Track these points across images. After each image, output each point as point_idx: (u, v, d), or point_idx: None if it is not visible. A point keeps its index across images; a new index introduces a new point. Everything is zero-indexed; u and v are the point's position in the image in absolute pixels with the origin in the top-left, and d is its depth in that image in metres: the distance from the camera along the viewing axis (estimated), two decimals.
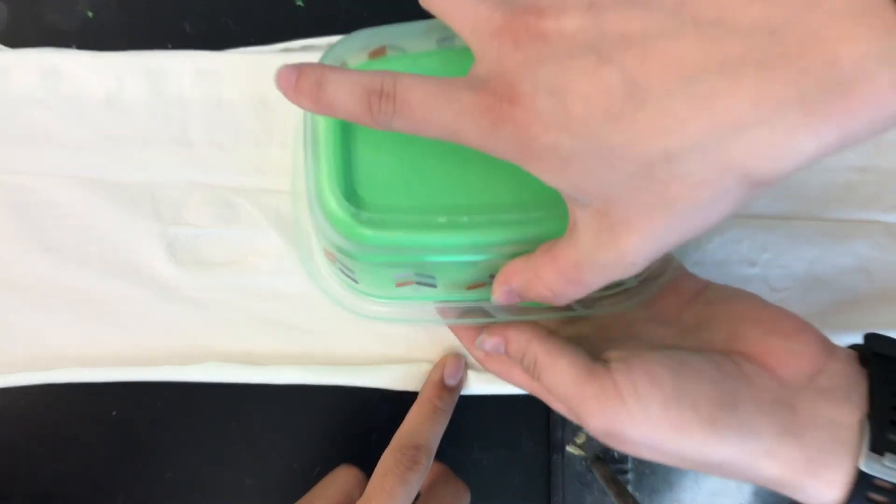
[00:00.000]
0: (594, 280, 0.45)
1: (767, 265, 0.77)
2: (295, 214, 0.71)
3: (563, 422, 0.83)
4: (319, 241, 0.64)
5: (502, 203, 0.58)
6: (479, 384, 0.75)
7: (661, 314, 0.62)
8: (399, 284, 0.64)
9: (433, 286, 0.64)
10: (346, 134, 0.62)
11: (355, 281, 0.65)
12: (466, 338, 0.67)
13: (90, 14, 0.84)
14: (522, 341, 0.54)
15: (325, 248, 0.64)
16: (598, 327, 0.64)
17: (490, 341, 0.57)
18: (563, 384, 0.49)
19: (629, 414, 0.46)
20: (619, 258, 0.41)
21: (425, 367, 0.75)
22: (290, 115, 0.78)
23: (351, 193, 0.59)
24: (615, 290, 0.64)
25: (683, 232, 0.39)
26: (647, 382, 0.46)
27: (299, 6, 0.84)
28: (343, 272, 0.65)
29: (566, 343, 0.52)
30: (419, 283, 0.63)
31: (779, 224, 0.78)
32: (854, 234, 0.78)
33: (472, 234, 0.56)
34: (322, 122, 0.61)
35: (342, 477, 0.68)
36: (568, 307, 0.70)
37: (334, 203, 0.58)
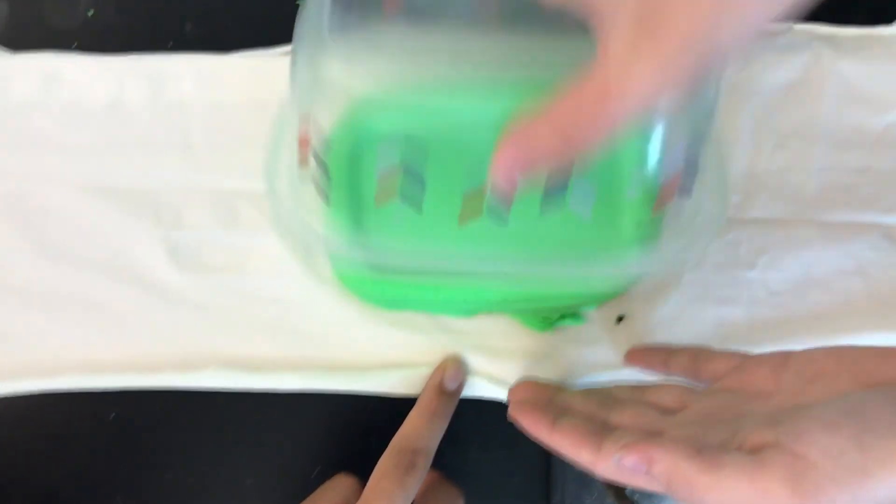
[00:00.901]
0: (622, 108, 0.38)
1: (765, 268, 0.78)
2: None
3: None
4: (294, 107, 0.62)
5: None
6: (481, 388, 0.75)
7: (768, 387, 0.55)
8: (381, 197, 0.61)
9: (421, 188, 0.62)
10: None
11: (327, 195, 0.63)
12: (572, 444, 0.57)
13: (90, 14, 0.84)
14: (668, 462, 0.45)
15: (298, 121, 0.62)
16: (727, 403, 0.57)
17: (630, 459, 0.49)
18: (738, 495, 0.41)
19: (827, 475, 0.37)
20: (658, 67, 0.36)
21: (425, 372, 0.75)
22: (293, 119, 0.78)
23: None
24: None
25: (733, 26, 0.35)
26: (825, 429, 0.39)
27: (299, 6, 0.84)
28: (317, 181, 0.63)
29: (719, 449, 0.44)
30: (404, 194, 0.61)
31: (777, 227, 0.78)
32: (852, 236, 0.78)
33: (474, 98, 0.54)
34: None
35: (339, 484, 0.68)
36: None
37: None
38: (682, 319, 0.76)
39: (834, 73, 0.79)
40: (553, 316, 0.76)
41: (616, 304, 0.77)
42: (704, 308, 0.77)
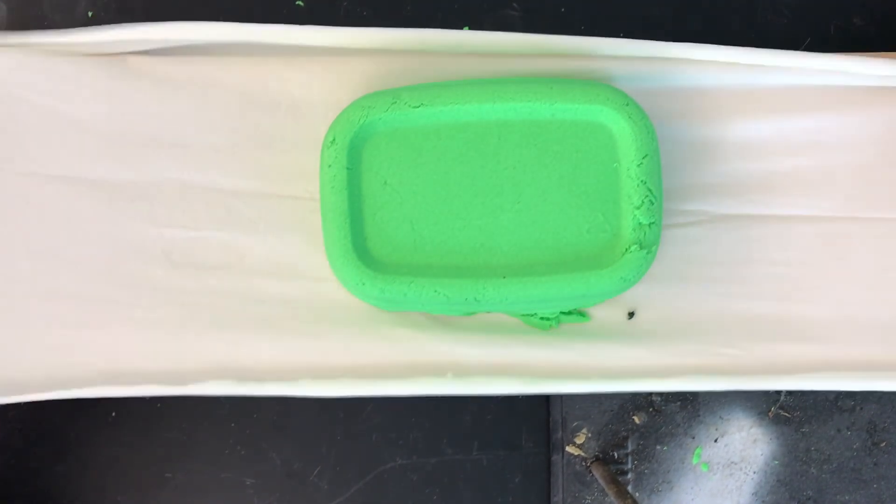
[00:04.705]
0: None
1: (794, 264, 0.77)
2: None
3: (563, 422, 0.83)
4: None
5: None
6: (483, 386, 0.74)
7: None
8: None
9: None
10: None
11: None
12: None
13: (90, 14, 0.84)
14: None
15: None
16: None
17: None
18: None
19: None
20: None
21: (423, 382, 0.74)
22: (290, 119, 0.78)
23: None
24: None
25: None
26: None
27: (299, 6, 0.84)
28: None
29: None
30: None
31: (805, 222, 0.78)
32: (889, 231, 0.77)
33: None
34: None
35: None
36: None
37: None
38: (703, 315, 0.76)
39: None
40: (552, 316, 0.76)
41: (626, 300, 0.76)
42: (728, 303, 0.76)
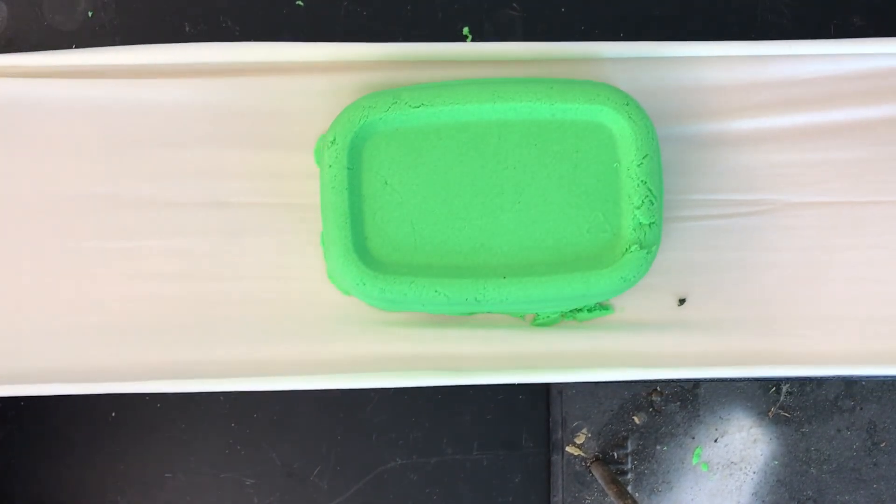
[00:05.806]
0: None
1: (860, 248, 0.77)
2: None
3: (563, 422, 0.83)
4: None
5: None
6: (481, 376, 0.74)
7: None
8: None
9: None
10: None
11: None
12: None
13: (90, 14, 0.84)
14: None
15: None
16: None
17: None
18: None
19: None
20: None
21: (423, 370, 0.74)
22: (271, 122, 0.76)
23: None
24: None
25: None
26: None
27: (299, 6, 0.84)
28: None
29: None
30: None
31: (847, 208, 0.77)
32: None
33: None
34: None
35: None
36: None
37: None
38: (746, 304, 0.75)
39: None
40: (554, 314, 0.76)
41: (676, 286, 0.76)
42: (815, 286, 0.76)
